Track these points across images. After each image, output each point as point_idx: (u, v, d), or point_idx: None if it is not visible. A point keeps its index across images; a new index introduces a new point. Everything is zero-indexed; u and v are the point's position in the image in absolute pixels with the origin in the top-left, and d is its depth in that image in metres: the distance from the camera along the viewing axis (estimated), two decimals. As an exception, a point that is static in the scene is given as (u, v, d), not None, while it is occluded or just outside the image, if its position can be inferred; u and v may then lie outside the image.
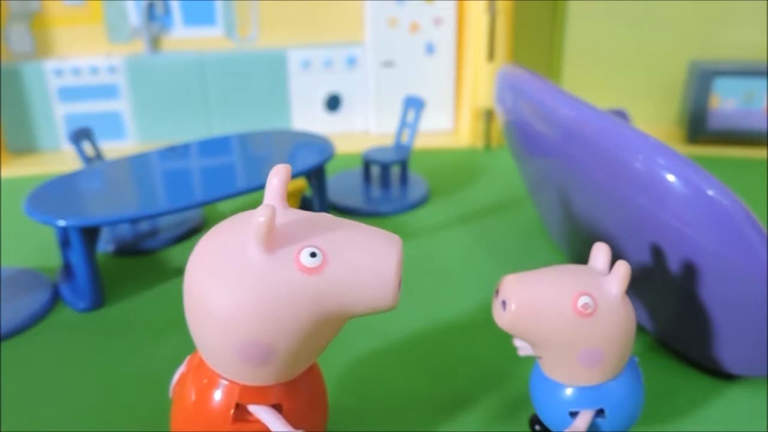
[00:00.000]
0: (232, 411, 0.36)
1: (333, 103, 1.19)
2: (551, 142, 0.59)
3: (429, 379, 0.52)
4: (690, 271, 0.46)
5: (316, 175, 0.77)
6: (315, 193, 0.78)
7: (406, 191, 0.90)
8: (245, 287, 0.32)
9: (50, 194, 0.66)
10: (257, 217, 0.32)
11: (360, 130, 1.22)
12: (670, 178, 0.44)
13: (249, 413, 0.36)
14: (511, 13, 1.06)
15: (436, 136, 1.18)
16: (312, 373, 0.39)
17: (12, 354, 0.56)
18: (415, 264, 0.71)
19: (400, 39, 1.15)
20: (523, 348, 0.46)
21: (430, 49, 1.16)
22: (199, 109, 1.16)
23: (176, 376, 0.40)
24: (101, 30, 1.15)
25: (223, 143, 0.83)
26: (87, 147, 0.81)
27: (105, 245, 0.75)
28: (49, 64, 1.10)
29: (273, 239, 0.33)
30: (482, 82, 1.09)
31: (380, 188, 0.90)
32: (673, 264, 0.47)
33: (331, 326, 0.35)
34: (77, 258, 0.62)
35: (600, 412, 0.41)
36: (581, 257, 0.48)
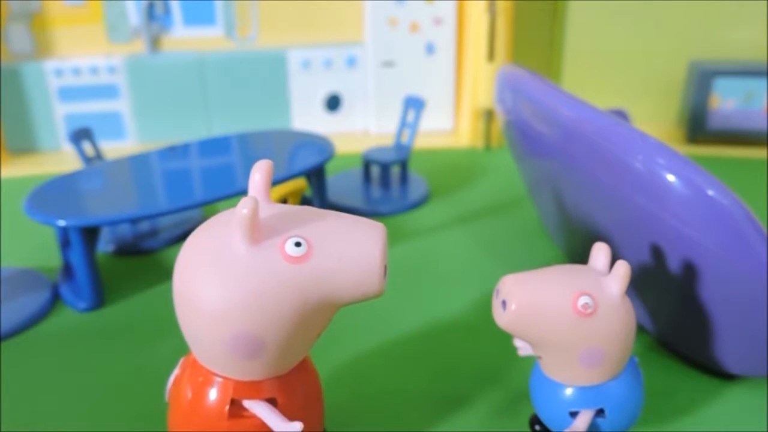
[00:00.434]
0: (227, 407, 0.36)
1: (333, 103, 1.19)
2: (551, 142, 0.59)
3: (429, 379, 0.52)
4: (690, 271, 0.46)
5: (316, 175, 0.77)
6: (315, 193, 0.78)
7: (406, 191, 0.90)
8: (232, 280, 0.32)
9: (50, 194, 0.66)
10: (240, 209, 0.32)
11: (360, 130, 1.22)
12: (670, 178, 0.44)
13: (245, 409, 0.36)
14: (511, 13, 1.06)
15: (436, 136, 1.18)
16: (305, 369, 0.39)
17: (12, 354, 0.56)
18: (414, 264, 0.71)
19: (400, 39, 1.15)
20: (523, 348, 0.46)
21: (430, 49, 1.16)
22: (199, 109, 1.16)
23: (171, 379, 0.40)
24: (101, 30, 1.15)
25: (223, 143, 0.83)
26: (87, 147, 0.81)
27: (105, 245, 0.75)
28: (49, 64, 1.10)
29: (257, 231, 0.33)
30: (482, 82, 1.09)
31: (380, 188, 0.90)
32: (673, 264, 0.47)
33: (320, 316, 0.35)
34: (77, 258, 0.62)
35: (600, 412, 0.41)
36: (581, 257, 0.48)
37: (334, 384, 0.51)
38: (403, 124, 0.94)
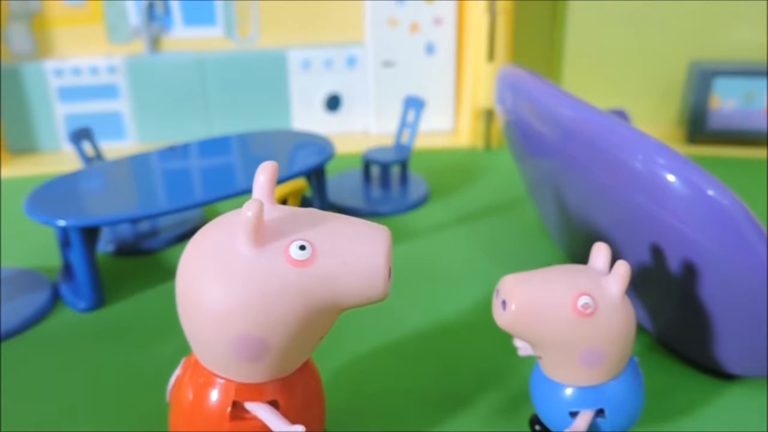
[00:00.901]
0: (228, 409, 0.36)
1: (333, 103, 1.19)
2: (551, 142, 0.59)
3: (429, 379, 0.52)
4: (690, 271, 0.46)
5: (316, 175, 0.77)
6: (315, 193, 0.78)
7: (406, 191, 0.90)
8: (236, 282, 0.32)
9: (50, 194, 0.66)
10: (245, 212, 0.32)
11: (360, 130, 1.22)
12: (670, 178, 0.44)
13: (246, 411, 0.36)
14: (511, 13, 1.06)
15: (436, 136, 1.18)
16: (307, 371, 0.39)
17: (12, 354, 0.56)
18: (415, 264, 0.71)
19: (400, 39, 1.15)
20: (523, 348, 0.46)
21: (430, 49, 1.16)
22: (199, 109, 1.16)
23: (172, 379, 0.40)
24: (101, 30, 1.15)
25: (223, 143, 0.83)
26: (87, 147, 0.81)
27: (105, 245, 0.75)
28: (49, 64, 1.10)
29: (262, 234, 0.33)
30: (482, 82, 1.09)
31: (380, 188, 0.90)
32: (673, 264, 0.47)
33: (323, 319, 0.35)
34: (77, 258, 0.62)
35: (600, 412, 0.41)
36: (581, 257, 0.48)
37: (334, 384, 0.51)
38: (403, 124, 0.94)
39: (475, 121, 1.12)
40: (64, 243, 0.66)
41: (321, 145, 0.79)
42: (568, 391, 0.41)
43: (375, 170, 0.94)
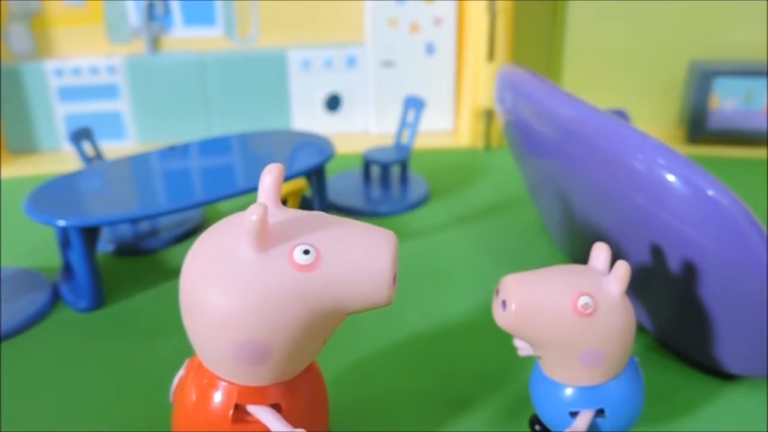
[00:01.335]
0: (231, 412, 0.36)
1: (333, 103, 1.19)
2: (551, 142, 0.59)
3: (429, 379, 0.52)
4: (690, 271, 0.46)
5: (316, 175, 0.76)
6: (315, 193, 0.78)
7: (406, 191, 0.90)
8: (240, 286, 0.32)
9: (50, 194, 0.66)
10: (249, 215, 0.32)
11: (360, 130, 1.22)
12: (670, 178, 0.44)
13: (248, 414, 0.36)
14: (511, 13, 1.06)
15: (436, 136, 1.18)
16: (311, 373, 0.39)
17: (12, 354, 0.56)
18: (415, 264, 0.71)
19: (400, 39, 1.15)
20: (523, 348, 0.46)
21: (430, 49, 1.16)
22: (199, 109, 1.16)
23: (176, 380, 0.40)
24: (101, 30, 1.15)
25: (223, 143, 0.83)
26: (87, 147, 0.81)
27: (105, 245, 0.75)
28: (49, 64, 1.10)
29: (266, 238, 0.33)
30: (482, 82, 1.09)
31: (380, 188, 0.90)
32: (673, 264, 0.47)
33: (327, 323, 0.35)
34: (77, 258, 0.62)
35: (600, 412, 0.41)
36: (581, 257, 0.48)
37: (336, 386, 0.51)
38: (403, 124, 0.94)
39: (475, 121, 1.12)
40: (64, 243, 0.66)
41: (321, 145, 0.79)
42: (568, 391, 0.41)
43: (375, 170, 0.94)
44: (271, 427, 0.36)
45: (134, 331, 0.60)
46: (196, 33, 1.18)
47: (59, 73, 1.10)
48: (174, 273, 0.69)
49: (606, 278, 0.39)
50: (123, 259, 0.74)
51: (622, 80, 1.18)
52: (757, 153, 1.05)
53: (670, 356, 0.54)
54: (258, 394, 0.36)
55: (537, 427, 0.46)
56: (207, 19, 1.17)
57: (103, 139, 1.09)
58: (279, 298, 0.32)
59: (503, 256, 0.73)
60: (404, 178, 0.92)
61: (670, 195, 0.44)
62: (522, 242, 0.76)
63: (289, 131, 0.89)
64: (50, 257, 0.73)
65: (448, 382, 0.52)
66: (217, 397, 0.36)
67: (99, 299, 0.63)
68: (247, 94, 1.16)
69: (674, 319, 0.52)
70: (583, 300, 0.38)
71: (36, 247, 0.76)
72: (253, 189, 0.67)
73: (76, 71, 1.11)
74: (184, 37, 1.18)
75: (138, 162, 0.76)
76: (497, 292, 0.40)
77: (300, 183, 0.76)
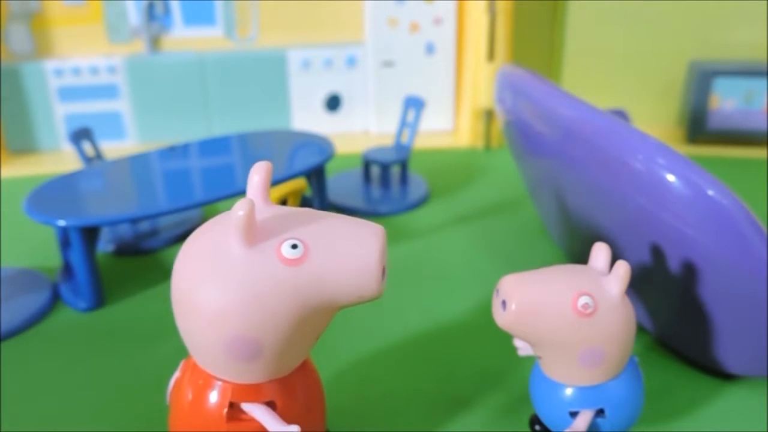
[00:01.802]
0: (225, 410, 0.36)
1: (333, 103, 1.19)
2: (551, 142, 0.59)
3: (429, 379, 0.52)
4: (690, 271, 0.46)
5: (316, 175, 0.77)
6: (315, 193, 0.78)
7: (406, 191, 0.90)
8: (228, 282, 0.32)
9: (50, 194, 0.66)
10: (236, 211, 0.32)
11: (360, 130, 1.22)
12: (670, 178, 0.44)
13: (243, 412, 0.36)
14: (511, 13, 1.06)
15: (436, 136, 1.18)
16: (306, 371, 0.39)
17: (12, 354, 0.56)
18: (415, 264, 0.71)
19: (400, 39, 1.15)
20: (523, 348, 0.46)
21: (430, 49, 1.16)
22: (199, 109, 1.16)
23: (172, 381, 0.40)
24: (101, 30, 1.15)
25: (223, 143, 0.83)
26: (87, 147, 0.81)
27: (105, 245, 0.75)
28: (49, 64, 1.10)
29: (254, 233, 0.33)
30: (482, 82, 1.09)
31: (380, 188, 0.90)
32: (673, 264, 0.47)
33: (317, 318, 0.35)
34: (77, 258, 0.62)
35: (600, 412, 0.41)
36: (581, 257, 0.48)
37: (335, 385, 0.51)
38: (403, 124, 0.94)
39: (475, 121, 1.12)
40: (64, 243, 0.66)
41: (321, 145, 0.79)
42: (568, 391, 0.41)
43: (375, 170, 0.94)
44: (266, 424, 0.36)
45: (134, 331, 0.60)
46: (196, 33, 1.18)
47: (59, 73, 1.10)
48: (174, 273, 0.69)
49: (606, 278, 0.39)
50: (123, 259, 0.74)
51: (622, 80, 1.18)
52: (757, 153, 1.05)
53: (670, 356, 0.54)
54: (252, 392, 0.36)
55: (537, 427, 0.46)
56: (207, 19, 1.17)
57: (103, 139, 1.09)
58: (268, 292, 0.32)
59: (503, 256, 0.73)
60: (404, 178, 0.92)
61: (670, 195, 0.44)
62: (522, 242, 0.76)
63: (289, 131, 0.89)
64: (50, 257, 0.73)
65: (448, 381, 0.52)
66: (213, 396, 0.36)
67: (99, 299, 0.63)
68: (247, 94, 1.16)
69: (674, 319, 0.52)
70: (583, 300, 0.38)
71: (36, 247, 0.76)
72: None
73: (76, 71, 1.11)
74: (184, 37, 1.18)
75: (138, 162, 0.76)
76: (497, 292, 0.40)
77: (300, 183, 0.76)
